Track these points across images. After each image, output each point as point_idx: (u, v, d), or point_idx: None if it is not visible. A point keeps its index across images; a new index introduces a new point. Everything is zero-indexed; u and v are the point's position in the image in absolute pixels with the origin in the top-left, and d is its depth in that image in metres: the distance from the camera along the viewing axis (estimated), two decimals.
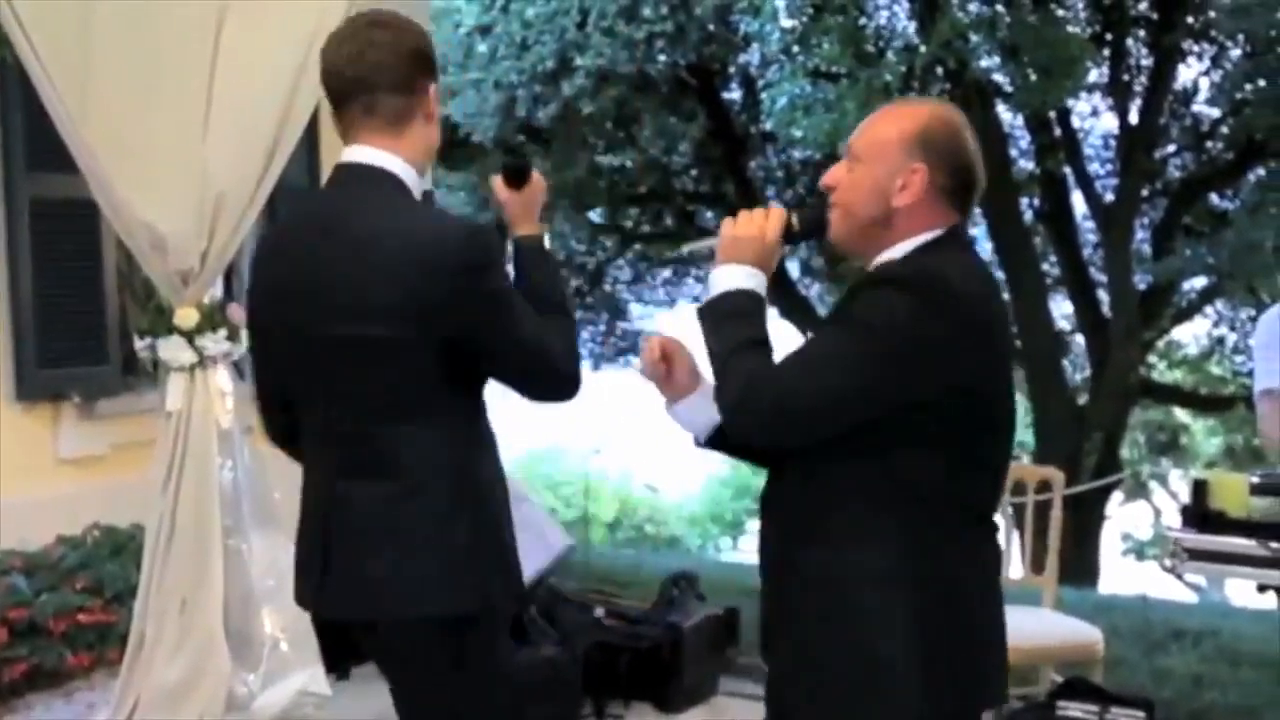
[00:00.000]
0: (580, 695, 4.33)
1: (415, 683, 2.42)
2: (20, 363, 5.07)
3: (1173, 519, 4.18)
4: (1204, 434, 19.76)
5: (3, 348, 5.03)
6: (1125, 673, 4.98)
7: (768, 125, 12.56)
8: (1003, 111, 12.79)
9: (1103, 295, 13.95)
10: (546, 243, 2.57)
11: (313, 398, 2.38)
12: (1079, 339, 15.00)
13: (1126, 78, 13.30)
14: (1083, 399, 14.07)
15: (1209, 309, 15.37)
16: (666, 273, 17.64)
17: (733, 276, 2.13)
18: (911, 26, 11.74)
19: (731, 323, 2.09)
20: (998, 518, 2.27)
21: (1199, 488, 3.40)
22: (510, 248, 2.54)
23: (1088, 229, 14.35)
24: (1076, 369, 15.19)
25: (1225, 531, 3.29)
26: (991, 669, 2.12)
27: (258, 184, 3.94)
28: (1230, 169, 13.27)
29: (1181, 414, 18.97)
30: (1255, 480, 3.37)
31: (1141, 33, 13.21)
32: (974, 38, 11.12)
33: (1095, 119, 14.04)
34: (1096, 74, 12.90)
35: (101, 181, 3.86)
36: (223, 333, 4.05)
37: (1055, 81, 11.08)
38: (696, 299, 17.52)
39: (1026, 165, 13.66)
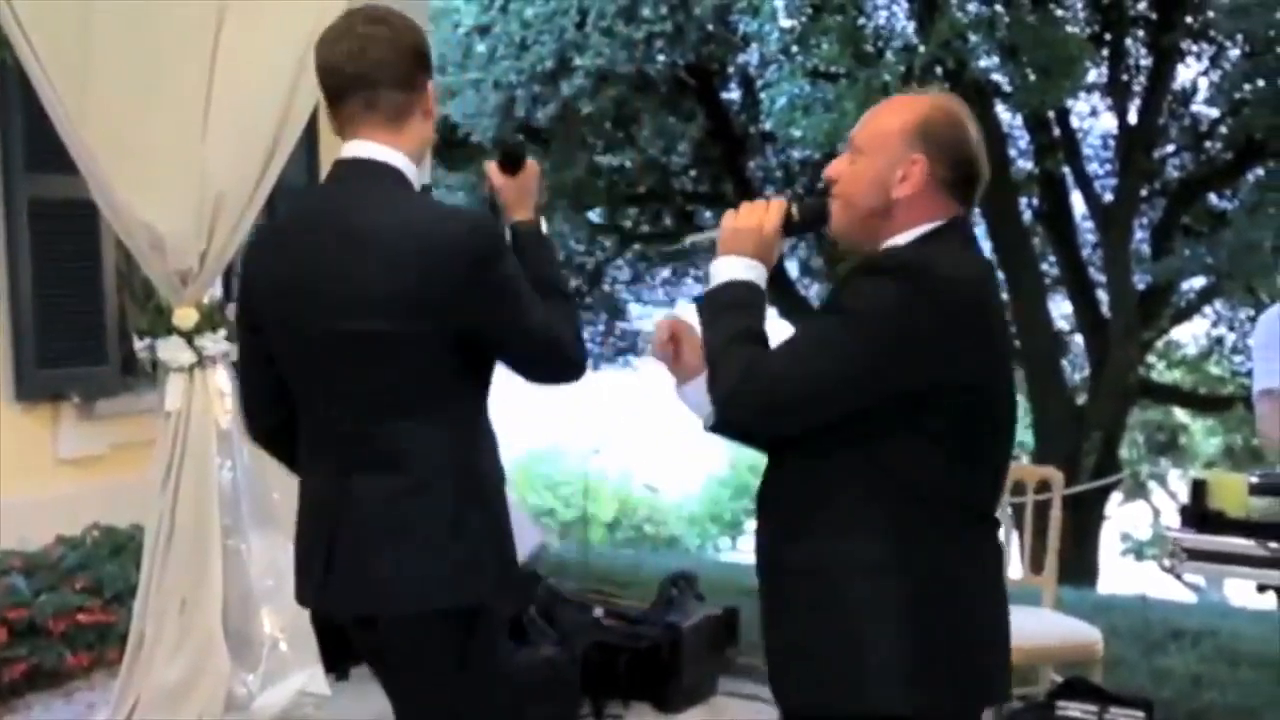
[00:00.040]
0: (579, 695, 4.33)
1: (416, 682, 2.42)
2: (20, 363, 5.07)
3: (1172, 519, 4.18)
4: (1203, 434, 19.77)
5: (2, 348, 5.04)
6: (1124, 673, 4.98)
7: (767, 125, 12.57)
8: (1002, 111, 12.79)
9: (1102, 295, 13.95)
10: (543, 227, 2.58)
11: (314, 395, 2.37)
12: (1078, 339, 15.00)
13: (1125, 78, 13.30)
14: (1082, 399, 14.07)
15: (1208, 309, 15.37)
16: (665, 272, 17.63)
17: (732, 268, 2.13)
18: (910, 26, 11.74)
19: (728, 314, 2.09)
20: (999, 516, 2.26)
21: (1198, 488, 3.40)
22: (508, 234, 2.54)
23: (1087, 229, 14.35)
24: (1075, 369, 15.19)
25: (1224, 531, 3.29)
26: (992, 667, 2.11)
27: (257, 184, 3.94)
28: (1229, 169, 13.27)
29: (1180, 414, 18.98)
30: (1254, 480, 3.37)
31: (1140, 33, 13.21)
32: (973, 38, 11.12)
33: (1094, 119, 14.05)
34: (1095, 74, 12.91)
35: (101, 182, 3.86)
36: (222, 333, 4.05)
37: (1054, 81, 11.07)
38: (696, 299, 17.44)
39: (1025, 165, 13.66)
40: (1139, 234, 14.03)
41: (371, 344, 2.25)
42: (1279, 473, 3.48)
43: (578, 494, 17.08)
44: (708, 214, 16.16)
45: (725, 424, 2.09)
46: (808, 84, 11.56)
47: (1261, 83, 11.71)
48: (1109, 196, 13.73)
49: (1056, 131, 13.42)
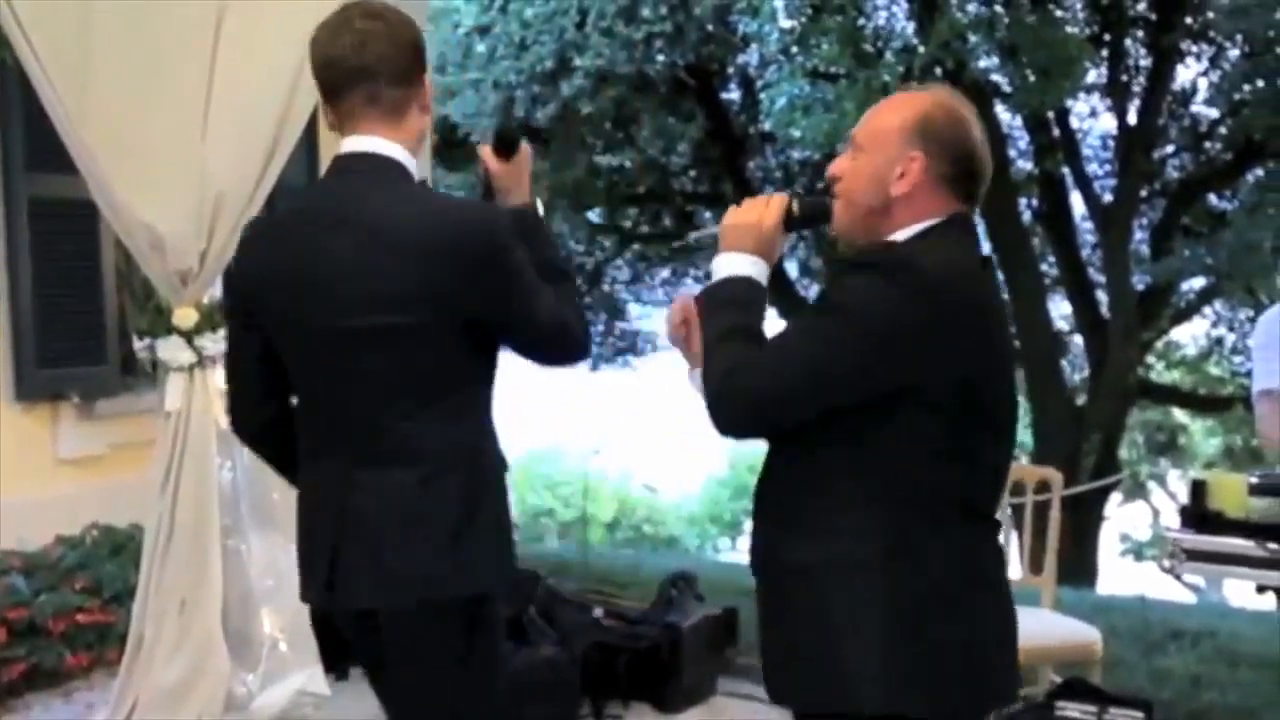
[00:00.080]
0: (579, 695, 4.33)
1: (416, 678, 2.41)
2: (19, 363, 5.08)
3: (1171, 519, 4.19)
4: (1202, 434, 19.77)
5: (2, 348, 5.04)
6: (1124, 673, 4.98)
7: (766, 125, 12.56)
8: (1001, 112, 12.78)
9: (1101, 296, 13.94)
10: (540, 209, 2.58)
11: (320, 390, 2.37)
12: (1077, 339, 15.00)
13: (1125, 78, 13.30)
14: (1081, 399, 14.07)
15: (1207, 309, 15.37)
16: (665, 272, 17.62)
17: (732, 264, 2.13)
18: (910, 27, 11.73)
19: (724, 310, 2.09)
20: (999, 518, 2.24)
21: (1197, 488, 3.40)
22: None
23: (1086, 229, 14.35)
24: (1075, 369, 15.19)
25: (1224, 532, 3.28)
26: (990, 670, 2.08)
27: (257, 184, 3.94)
28: (1228, 169, 13.27)
29: (1180, 414, 18.98)
30: (1254, 481, 3.36)
31: (1140, 33, 13.20)
32: (972, 38, 11.12)
33: (1094, 119, 14.05)
34: (1095, 74, 12.90)
35: (100, 182, 3.86)
36: (222, 333, 4.05)
37: (1054, 82, 11.07)
38: (696, 299, 17.48)
39: (1025, 165, 13.66)
40: (1138, 234, 14.03)
41: (381, 338, 2.26)
42: (1279, 473, 3.48)
43: (577, 494, 17.08)
44: (707, 214, 16.16)
45: (714, 422, 2.07)
46: (807, 84, 11.56)
47: (1261, 83, 11.70)
48: (1108, 197, 13.73)
49: (1056, 132, 13.41)
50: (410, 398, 2.30)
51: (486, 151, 2.57)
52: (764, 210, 2.16)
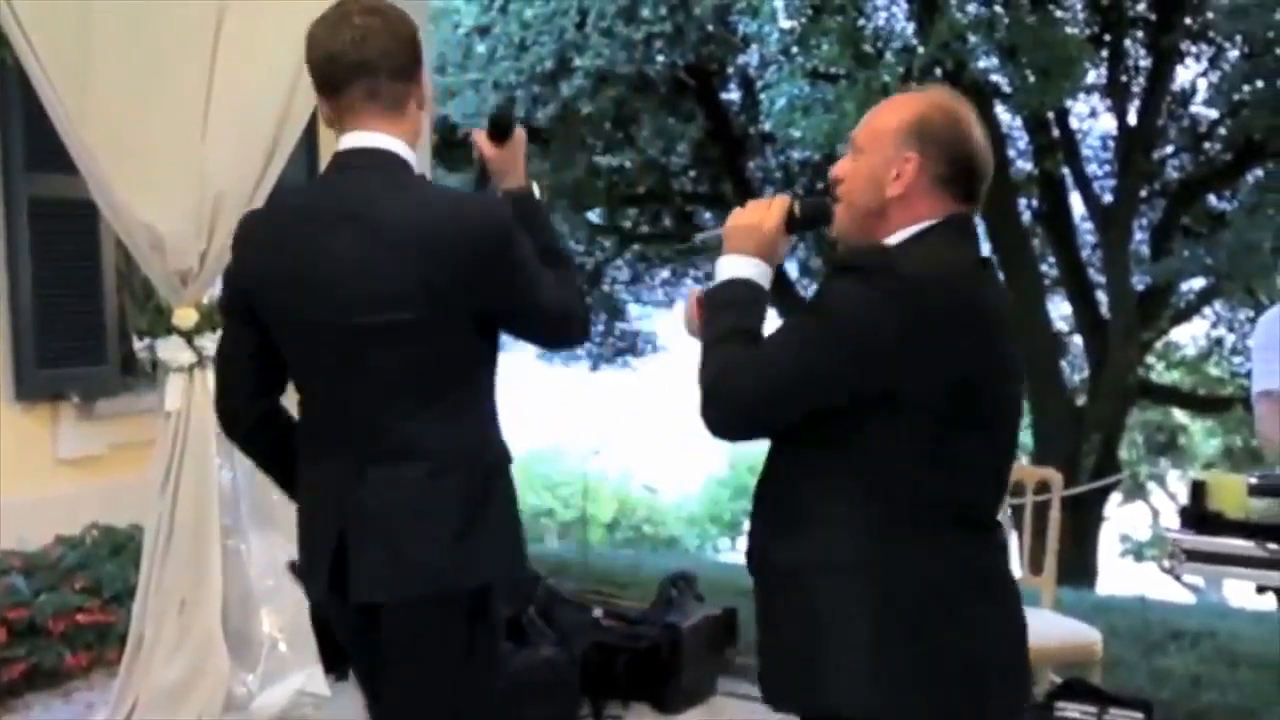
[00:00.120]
0: (578, 696, 4.32)
1: (417, 675, 2.40)
2: (19, 363, 5.07)
3: (1171, 520, 4.19)
4: (1202, 435, 19.78)
5: (2, 348, 5.04)
6: (1124, 674, 4.98)
7: (766, 126, 12.56)
8: (1001, 112, 12.78)
9: (1101, 296, 13.95)
10: (535, 192, 2.59)
11: (324, 388, 2.36)
12: (1077, 340, 15.01)
13: (1125, 79, 13.31)
14: (1081, 400, 14.08)
15: (1207, 310, 15.38)
16: (665, 273, 17.64)
17: (734, 266, 2.13)
18: (910, 27, 11.74)
19: (724, 313, 2.08)
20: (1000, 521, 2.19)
21: (1197, 489, 3.40)
22: None
23: (1086, 230, 14.35)
24: (1075, 370, 15.20)
25: (1223, 533, 3.28)
26: (991, 680, 2.03)
27: (257, 184, 3.94)
28: (1228, 170, 13.27)
29: (1180, 415, 18.99)
30: (1253, 481, 3.36)
31: (1140, 34, 13.21)
32: (972, 38, 11.13)
33: (1093, 120, 14.06)
34: (1095, 75, 12.91)
35: (100, 182, 3.86)
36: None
37: (1053, 82, 11.08)
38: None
39: (1025, 166, 13.67)
40: (1138, 235, 14.04)
41: (388, 335, 2.26)
42: (1278, 474, 3.48)
43: (577, 494, 17.10)
44: (707, 214, 16.17)
45: (705, 424, 2.06)
46: (807, 85, 11.57)
47: (1260, 84, 11.71)
48: (1108, 197, 13.74)
49: (1056, 132, 13.42)
50: (417, 394, 2.31)
51: (481, 137, 2.58)
52: (765, 212, 2.15)
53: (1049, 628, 4.11)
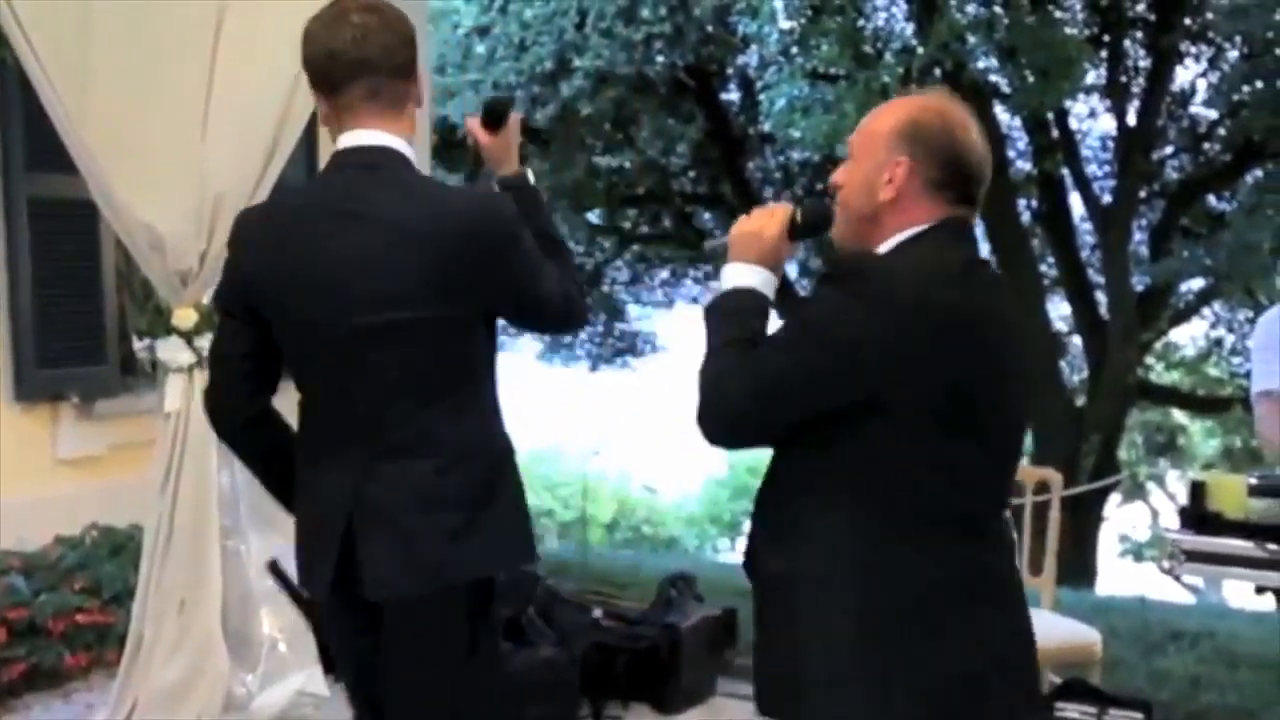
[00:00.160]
0: (578, 696, 4.32)
1: (418, 675, 2.40)
2: (19, 363, 5.07)
3: (1170, 520, 4.18)
4: (1202, 435, 19.78)
5: (2, 348, 5.03)
6: (1123, 674, 4.99)
7: (766, 126, 12.57)
8: (1000, 113, 12.79)
9: (1100, 296, 13.96)
10: (529, 178, 2.60)
11: (331, 386, 2.36)
12: (1076, 340, 15.01)
13: (1124, 79, 13.31)
14: (1080, 400, 14.09)
15: (1206, 310, 15.38)
16: (664, 273, 17.64)
17: (737, 274, 2.12)
18: (909, 28, 11.74)
19: (724, 322, 2.08)
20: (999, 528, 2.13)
21: (1197, 489, 3.40)
22: (495, 186, 2.59)
23: (1085, 230, 14.36)
24: (1074, 370, 15.21)
25: (1223, 533, 3.28)
26: (987, 692, 1.97)
27: (257, 184, 3.94)
28: (1228, 170, 13.28)
29: (1179, 415, 18.99)
30: (1253, 482, 3.37)
31: (1139, 34, 13.21)
32: (972, 39, 11.13)
33: (1093, 120, 14.06)
34: (1094, 75, 12.91)
35: (100, 182, 3.85)
36: None
37: (1053, 83, 11.08)
38: (695, 300, 17.54)
39: (1024, 166, 13.67)
40: (1138, 235, 14.05)
41: (394, 334, 2.26)
42: (1278, 474, 3.48)
43: (577, 495, 17.09)
44: (706, 215, 16.18)
45: (701, 433, 2.05)
46: (807, 85, 11.57)
47: (1260, 84, 11.71)
48: (1108, 198, 13.74)
49: (1055, 133, 13.42)
50: (422, 391, 2.31)
51: (475, 124, 2.59)
52: (768, 220, 2.14)
53: (1048, 628, 4.10)
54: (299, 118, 3.97)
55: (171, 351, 4.03)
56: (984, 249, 12.73)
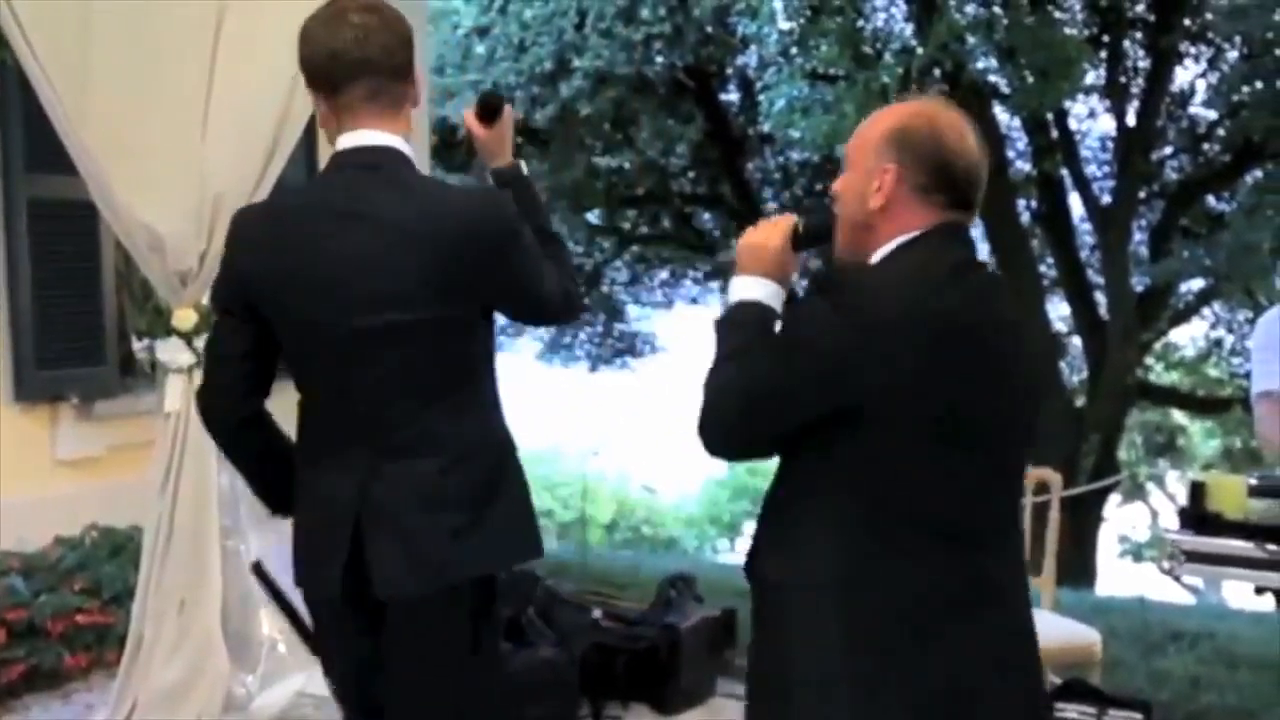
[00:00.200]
0: (577, 696, 4.32)
1: (419, 675, 2.40)
2: (18, 364, 5.07)
3: (1170, 521, 4.17)
4: (1201, 436, 19.78)
5: (1, 349, 5.03)
6: (1123, 674, 4.99)
7: (766, 127, 12.57)
8: (1000, 113, 12.80)
9: (1100, 297, 13.96)
10: (523, 169, 2.61)
11: (334, 387, 2.35)
12: (1076, 340, 15.02)
13: (1124, 80, 13.32)
14: (1080, 400, 14.09)
15: (1206, 311, 15.39)
16: (664, 274, 17.66)
17: (744, 287, 2.12)
18: (909, 28, 11.75)
19: (729, 335, 2.07)
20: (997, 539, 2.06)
21: (1196, 489, 3.40)
22: (489, 179, 2.61)
23: (1085, 231, 14.36)
24: (1074, 370, 15.22)
25: (1223, 534, 3.28)
26: (979, 705, 1.94)
27: (257, 184, 3.93)
28: (1227, 171, 13.29)
29: (1179, 415, 18.99)
30: (1253, 482, 3.37)
31: (1139, 35, 13.22)
32: (971, 39, 11.14)
33: (1092, 121, 14.07)
34: (1094, 76, 12.92)
35: (100, 183, 3.85)
36: None
37: (1052, 83, 11.08)
38: (694, 300, 17.56)
39: (1024, 167, 13.68)
40: (1137, 236, 14.05)
41: (395, 334, 2.27)
42: (1278, 475, 3.48)
43: (576, 495, 17.08)
44: (705, 215, 16.19)
45: (703, 447, 2.05)
46: (806, 86, 11.57)
47: (1260, 85, 11.73)
48: (1107, 198, 13.75)
49: (1055, 133, 13.43)
50: (426, 390, 2.32)
51: (470, 117, 2.59)
52: (771, 231, 2.14)
53: (1048, 629, 4.07)
54: (299, 118, 3.96)
55: (171, 352, 4.03)
56: (984, 250, 12.78)
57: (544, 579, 4.76)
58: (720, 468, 20.04)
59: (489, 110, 2.58)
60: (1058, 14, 11.84)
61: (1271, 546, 3.19)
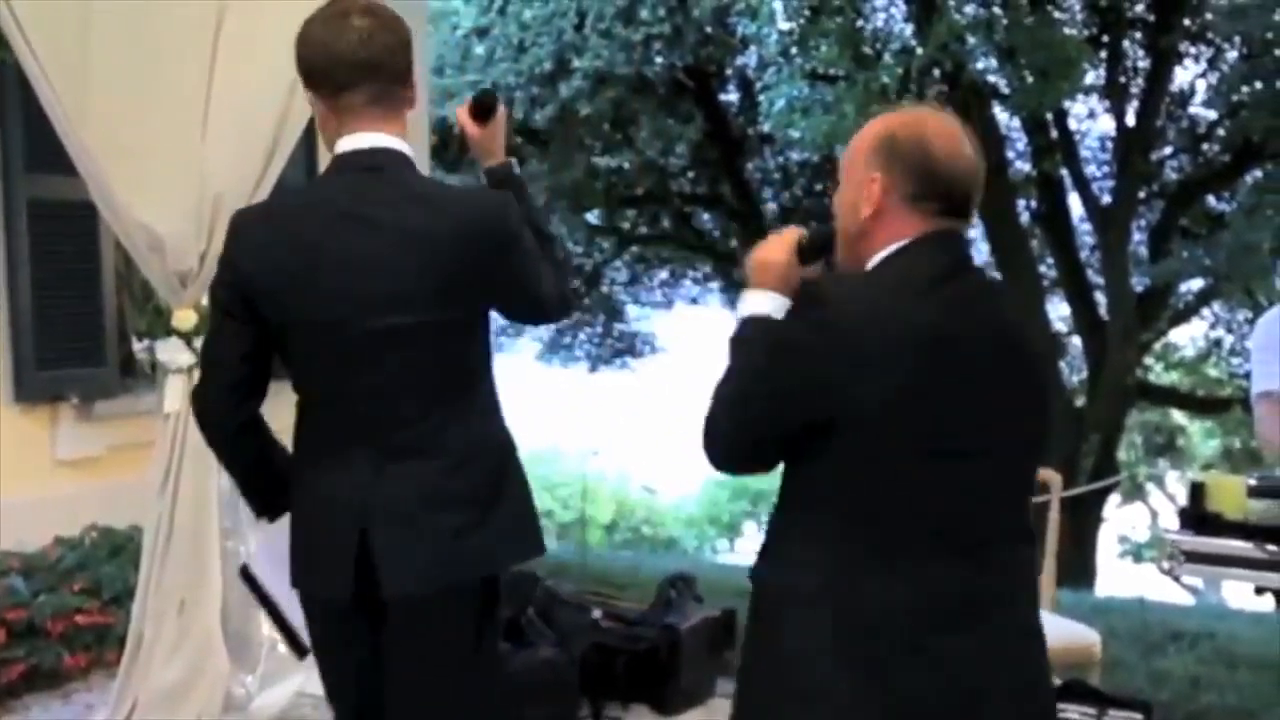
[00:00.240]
0: (577, 697, 4.32)
1: (419, 675, 2.40)
2: (18, 364, 5.07)
3: (1170, 521, 4.17)
4: (1201, 436, 19.79)
5: (1, 349, 5.03)
6: (1123, 675, 4.99)
7: (765, 127, 12.58)
8: (1000, 113, 12.80)
9: (1100, 297, 13.97)
10: (515, 168, 2.62)
11: (332, 389, 2.35)
12: (1076, 341, 15.01)
13: (1123, 80, 13.32)
14: (1080, 401, 14.08)
15: (1206, 311, 15.39)
16: (663, 274, 17.66)
17: (753, 302, 2.13)
18: (909, 29, 11.75)
19: (736, 351, 2.08)
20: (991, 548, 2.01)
21: (1196, 490, 3.39)
22: (483, 178, 2.62)
23: (1085, 231, 14.36)
24: (1074, 371, 15.20)
25: (1222, 534, 3.28)
26: (961, 712, 1.91)
27: (256, 184, 3.93)
28: (1227, 171, 13.29)
29: (1179, 416, 19.00)
30: (1252, 482, 3.36)
31: (1138, 35, 13.22)
32: (971, 40, 11.14)
33: (1092, 121, 14.07)
34: (1093, 76, 12.92)
35: (100, 183, 3.85)
36: None
37: (1052, 83, 11.08)
38: (694, 300, 17.56)
39: (1023, 167, 13.68)
40: (1137, 236, 14.05)
41: (401, 336, 2.27)
42: (1277, 475, 3.48)
43: (576, 495, 17.09)
44: (705, 215, 16.18)
45: (708, 461, 2.08)
46: (806, 86, 11.58)
47: (1259, 85, 11.73)
48: (1107, 198, 13.75)
49: (1054, 133, 13.43)
50: (427, 393, 2.32)
51: (463, 115, 2.60)
52: (777, 245, 2.16)
53: (1047, 629, 4.09)
54: (299, 118, 3.96)
55: (171, 352, 4.03)
56: (983, 250, 12.78)
57: (544, 579, 4.76)
58: None
59: (483, 109, 2.58)
60: (1057, 14, 11.84)
61: (1271, 547, 3.19)
